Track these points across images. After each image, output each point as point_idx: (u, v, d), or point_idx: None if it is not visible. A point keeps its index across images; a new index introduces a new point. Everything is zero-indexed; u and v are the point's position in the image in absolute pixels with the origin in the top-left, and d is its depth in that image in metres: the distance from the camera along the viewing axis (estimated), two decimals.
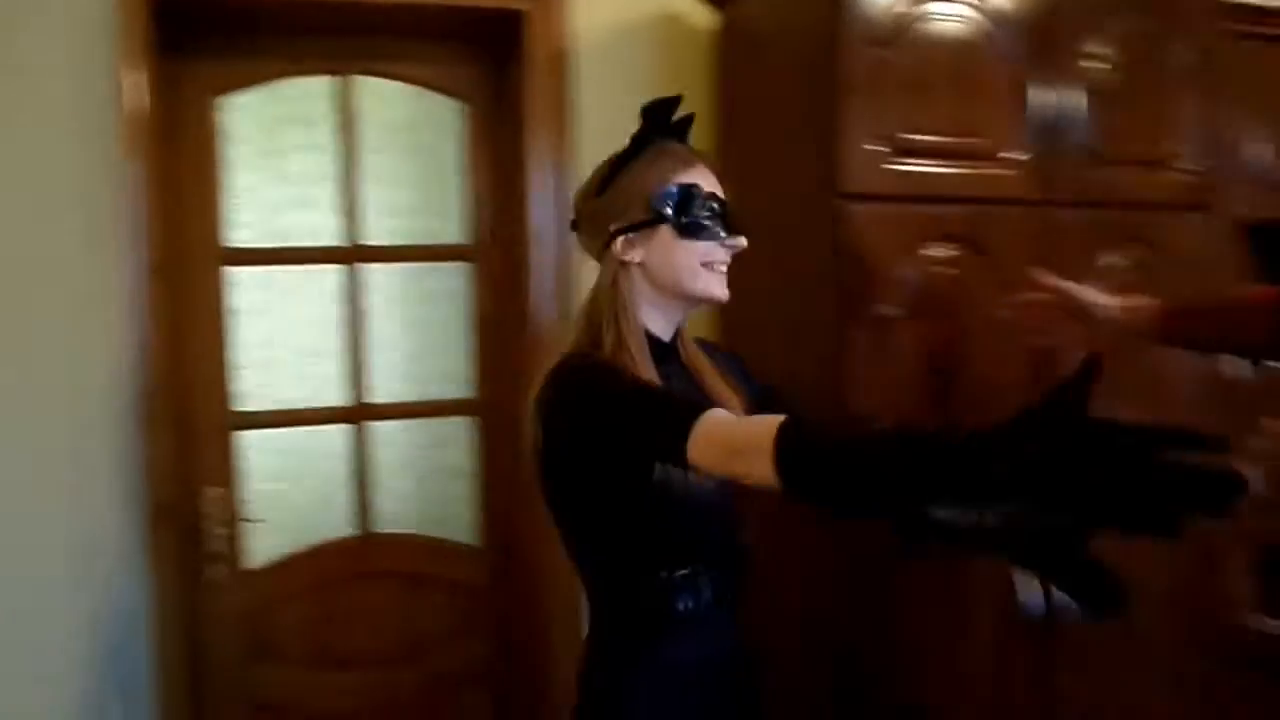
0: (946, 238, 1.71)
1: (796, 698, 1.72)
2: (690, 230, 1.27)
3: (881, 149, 1.65)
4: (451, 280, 2.29)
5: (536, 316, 2.13)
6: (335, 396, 2.22)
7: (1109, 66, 1.82)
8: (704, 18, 2.13)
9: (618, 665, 1.31)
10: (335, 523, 2.24)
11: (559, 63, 2.10)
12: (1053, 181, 1.79)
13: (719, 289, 1.31)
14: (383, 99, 2.23)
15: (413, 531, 2.30)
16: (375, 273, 2.24)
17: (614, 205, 1.30)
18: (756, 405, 1.36)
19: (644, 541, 1.28)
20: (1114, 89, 1.83)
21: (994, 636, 1.78)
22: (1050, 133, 1.78)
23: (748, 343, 2.05)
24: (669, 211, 1.27)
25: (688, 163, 1.30)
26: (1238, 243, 2.21)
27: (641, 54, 2.14)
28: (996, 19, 1.73)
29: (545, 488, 1.32)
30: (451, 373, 2.31)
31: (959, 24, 1.70)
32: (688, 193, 1.27)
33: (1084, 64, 1.80)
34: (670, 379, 1.29)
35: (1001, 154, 1.75)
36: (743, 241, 1.31)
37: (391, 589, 2.28)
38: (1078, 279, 1.65)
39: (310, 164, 2.18)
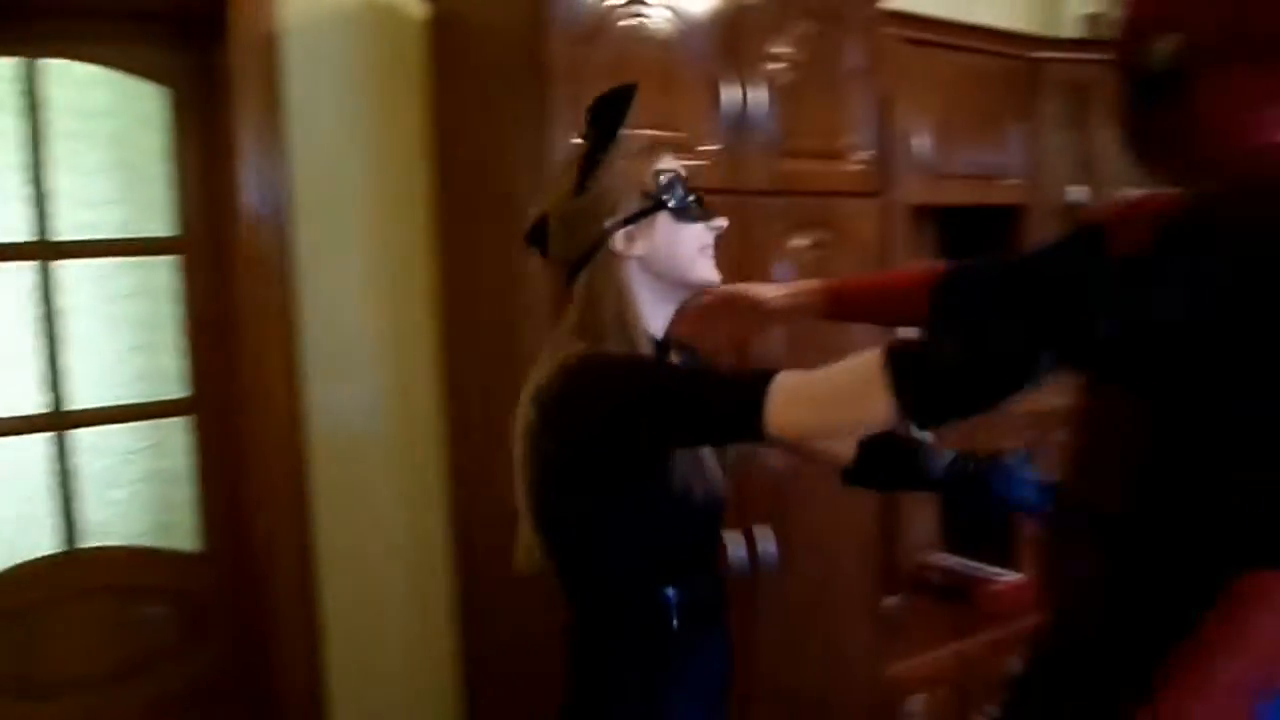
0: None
1: None
2: (686, 214, 1.26)
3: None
4: (159, 275, 2.17)
5: (254, 309, 2.07)
6: (31, 405, 2.05)
7: (788, 66, 2.01)
8: (417, 8, 2.15)
9: (632, 687, 1.26)
10: (36, 540, 2.07)
11: (268, 48, 2.04)
12: (743, 172, 1.95)
13: (713, 273, 1.30)
14: (76, 84, 2.08)
15: (126, 543, 2.17)
16: (71, 269, 2.08)
17: (604, 201, 1.25)
18: None
19: (655, 551, 1.25)
20: (794, 87, 2.02)
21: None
22: (740, 127, 1.94)
23: (469, 330, 2.10)
24: (669, 199, 1.25)
25: (658, 150, 1.29)
26: (910, 225, 2.50)
27: (354, 41, 2.13)
28: (690, 20, 1.87)
29: (539, 494, 1.26)
30: (164, 372, 2.19)
31: (656, 24, 1.83)
32: (675, 178, 1.27)
33: (767, 64, 1.98)
34: None
35: (698, 146, 1.89)
36: (723, 223, 1.31)
37: (104, 606, 2.14)
38: (768, 261, 1.82)
39: None
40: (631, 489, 1.22)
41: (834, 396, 1.02)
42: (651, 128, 1.80)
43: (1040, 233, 2.75)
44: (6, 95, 2.01)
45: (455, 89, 2.07)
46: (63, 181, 2.06)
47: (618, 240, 1.25)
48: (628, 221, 1.24)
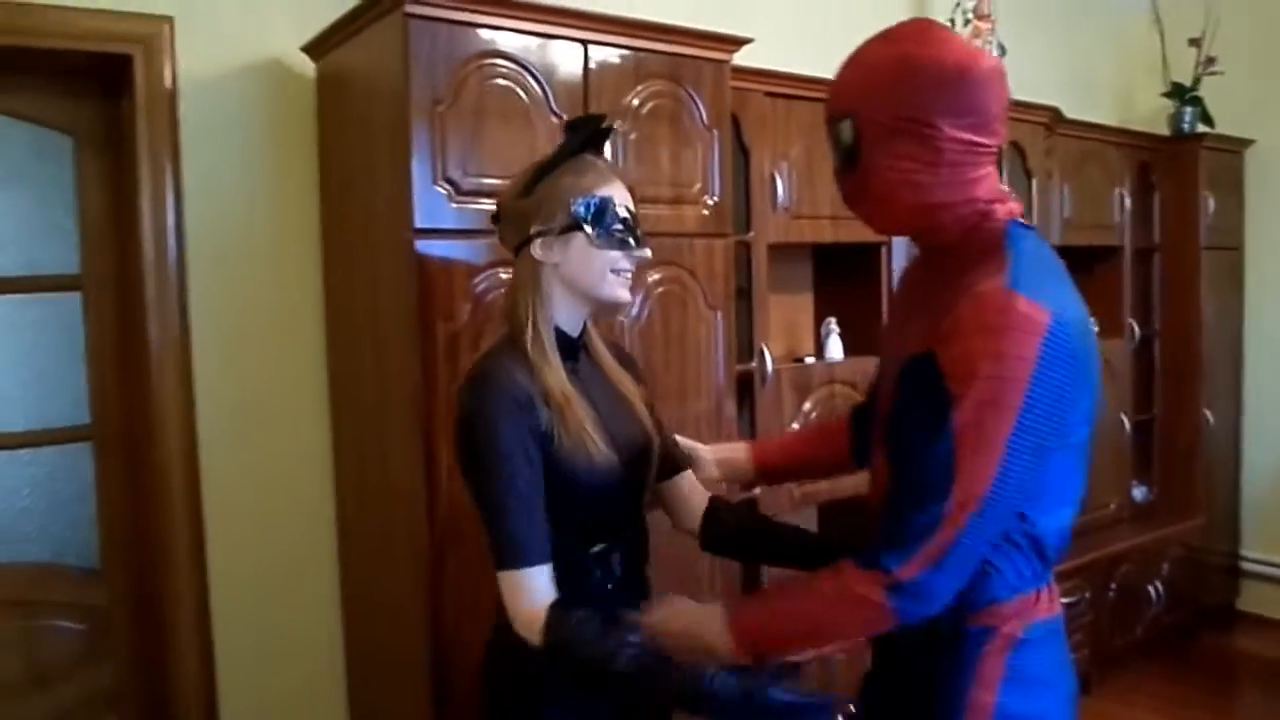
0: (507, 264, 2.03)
1: None
2: (603, 239, 1.40)
3: (444, 190, 1.94)
4: (62, 309, 2.33)
5: (152, 340, 2.23)
6: None
7: (640, 120, 2.22)
8: (304, 65, 2.34)
9: (528, 655, 1.36)
10: None
11: (167, 101, 2.21)
12: None
13: (623, 293, 1.45)
14: None
15: (28, 561, 2.30)
16: None
17: (537, 209, 1.41)
18: (645, 399, 1.57)
19: (552, 523, 1.37)
20: (645, 139, 2.23)
21: None
22: None
23: (354, 356, 2.28)
24: (586, 220, 1.40)
25: (606, 177, 1.43)
26: (768, 261, 2.72)
27: (249, 95, 2.31)
28: (545, 76, 2.07)
29: (465, 481, 1.43)
30: (67, 401, 2.34)
31: (511, 79, 2.03)
32: (605, 204, 1.40)
33: (619, 118, 2.19)
34: (577, 373, 1.45)
35: None
36: (648, 253, 1.47)
37: (7, 620, 2.27)
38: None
39: None
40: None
41: (517, 608, 1.36)
42: (503, 177, 2.02)
43: (899, 264, 3.01)
44: None
45: (337, 136, 2.27)
46: None
47: (536, 247, 1.42)
48: (550, 232, 1.42)
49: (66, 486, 2.35)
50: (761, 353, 2.70)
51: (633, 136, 2.22)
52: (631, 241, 1.45)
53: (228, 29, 2.27)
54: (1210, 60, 4.08)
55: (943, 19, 3.46)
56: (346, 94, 2.21)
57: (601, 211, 1.41)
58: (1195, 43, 4.11)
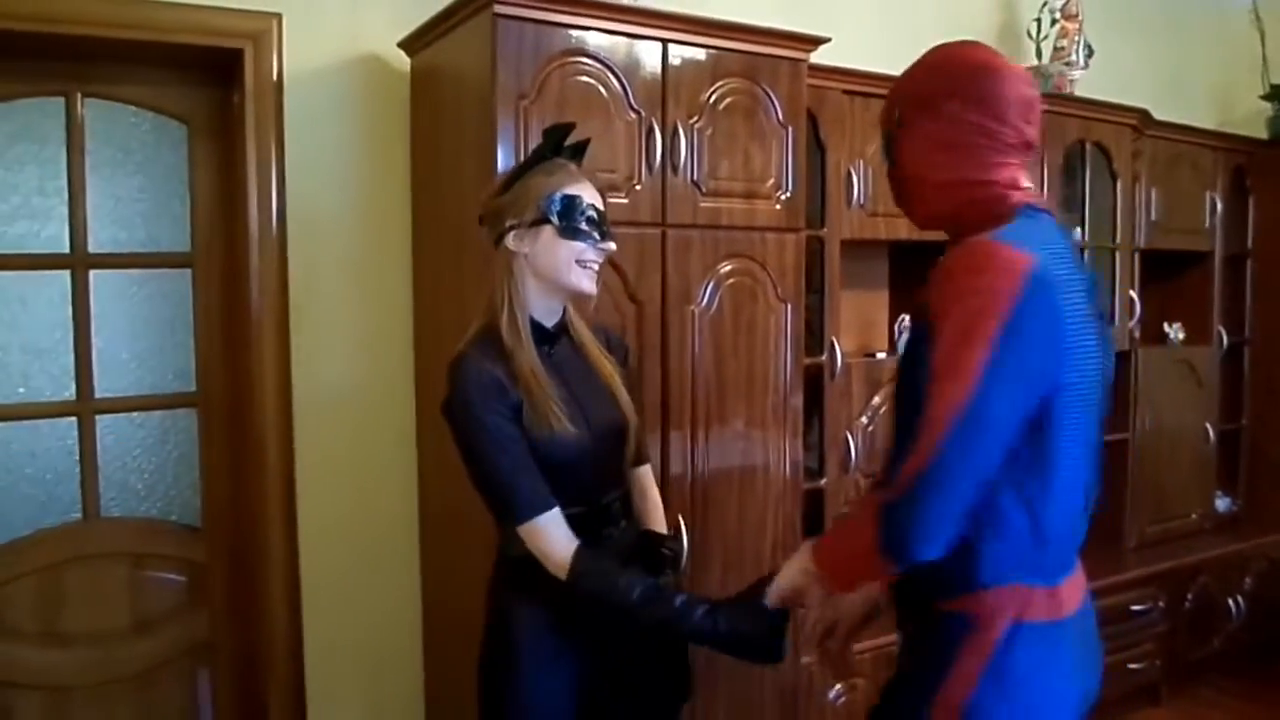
0: None
1: None
2: (568, 232, 1.56)
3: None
4: (174, 284, 2.51)
5: (254, 315, 2.40)
6: (63, 392, 2.40)
7: (717, 116, 2.30)
8: (401, 60, 2.47)
9: (511, 591, 1.65)
10: (63, 509, 2.41)
11: (274, 93, 2.37)
12: (671, 207, 2.24)
13: (588, 284, 1.60)
14: (112, 119, 2.43)
15: (138, 515, 2.50)
16: (102, 278, 2.43)
17: (511, 205, 1.59)
18: (626, 382, 1.73)
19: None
20: (721, 134, 2.30)
21: None
22: (668, 168, 2.23)
23: (434, 327, 2.40)
24: (553, 215, 1.56)
25: (575, 178, 1.60)
26: (842, 257, 2.77)
27: (348, 87, 2.46)
28: (626, 72, 2.16)
29: (463, 463, 1.60)
30: (176, 369, 2.53)
31: (591, 80, 2.12)
32: (571, 201, 1.57)
33: (697, 114, 2.27)
34: (553, 357, 1.62)
35: (630, 184, 2.18)
36: (612, 246, 1.62)
37: (118, 569, 2.47)
38: (693, 285, 2.13)
39: (40, 177, 2.36)
40: None
41: (546, 553, 1.54)
42: (588, 167, 2.11)
43: None
44: (52, 127, 2.36)
45: (428, 128, 2.39)
46: (96, 202, 2.41)
47: (510, 239, 1.59)
48: (520, 225, 1.58)
49: (173, 449, 2.54)
50: (832, 346, 2.75)
51: (709, 132, 2.29)
52: (596, 235, 1.59)
53: (331, 26, 2.42)
54: None
55: (1029, 18, 3.45)
56: (438, 88, 2.34)
57: (568, 207, 1.57)
58: None
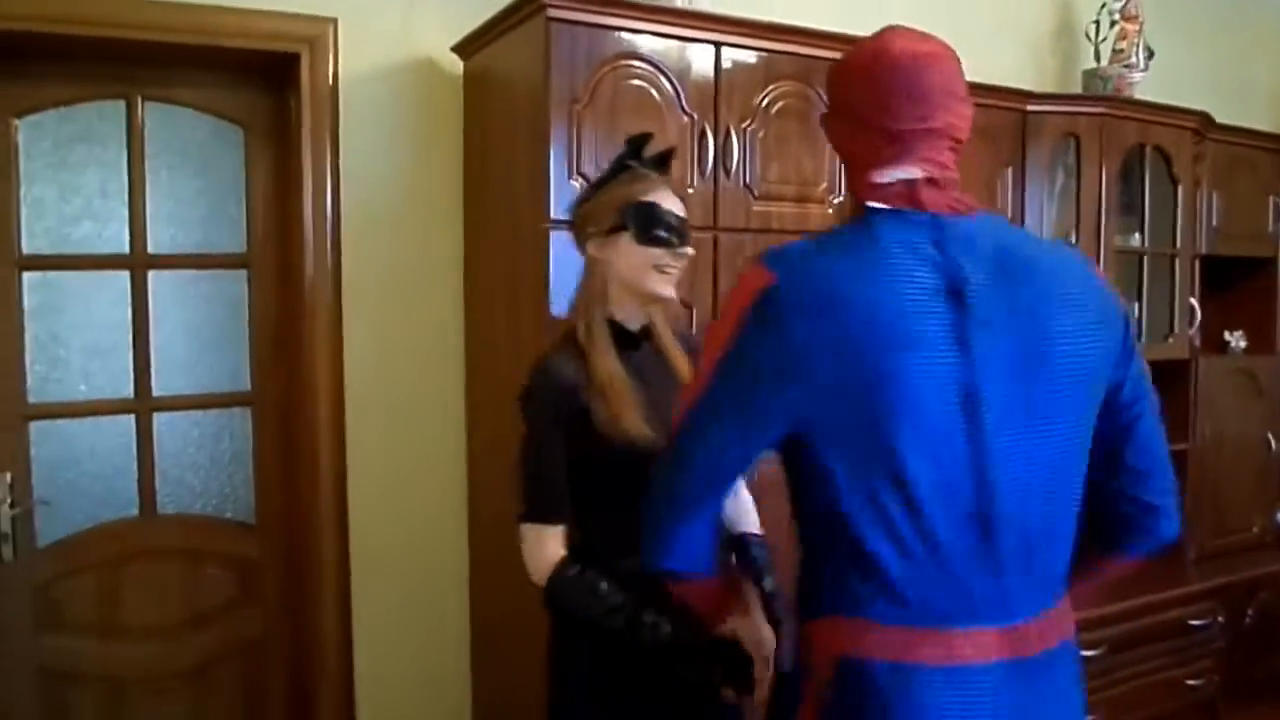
0: None
1: None
2: (644, 238, 1.59)
3: (580, 183, 2.05)
4: (230, 285, 2.55)
5: (308, 316, 2.43)
6: (122, 390, 2.45)
7: (768, 119, 2.28)
8: (454, 64, 2.49)
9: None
10: (120, 505, 2.46)
11: (329, 97, 2.40)
12: (723, 211, 2.23)
13: (665, 288, 1.62)
14: (171, 122, 2.48)
15: (193, 512, 2.54)
16: (160, 278, 2.48)
17: (592, 213, 1.64)
18: None
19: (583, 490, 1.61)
20: (772, 138, 2.29)
21: None
22: (720, 172, 2.22)
23: (486, 328, 2.40)
24: (630, 221, 1.60)
25: (654, 185, 1.63)
26: None
27: (403, 91, 2.48)
28: (677, 76, 2.16)
29: None
30: (231, 368, 2.57)
31: (643, 83, 2.12)
32: (647, 208, 1.60)
33: (748, 118, 2.26)
34: (633, 361, 1.62)
35: (685, 189, 2.17)
36: (689, 251, 1.64)
37: (173, 565, 2.51)
38: None
39: (101, 179, 2.41)
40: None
41: (532, 559, 1.59)
42: None
43: None
44: (112, 130, 2.41)
45: (481, 131, 2.41)
46: (155, 204, 2.46)
47: (591, 245, 1.64)
48: (600, 233, 1.62)
49: (227, 447, 2.58)
50: None
51: (761, 135, 2.28)
52: (674, 240, 1.61)
53: (385, 30, 2.44)
54: None
55: (1088, 20, 3.39)
56: (491, 91, 2.35)
57: (645, 214, 1.60)
58: None
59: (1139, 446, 1.29)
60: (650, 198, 1.61)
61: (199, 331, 2.55)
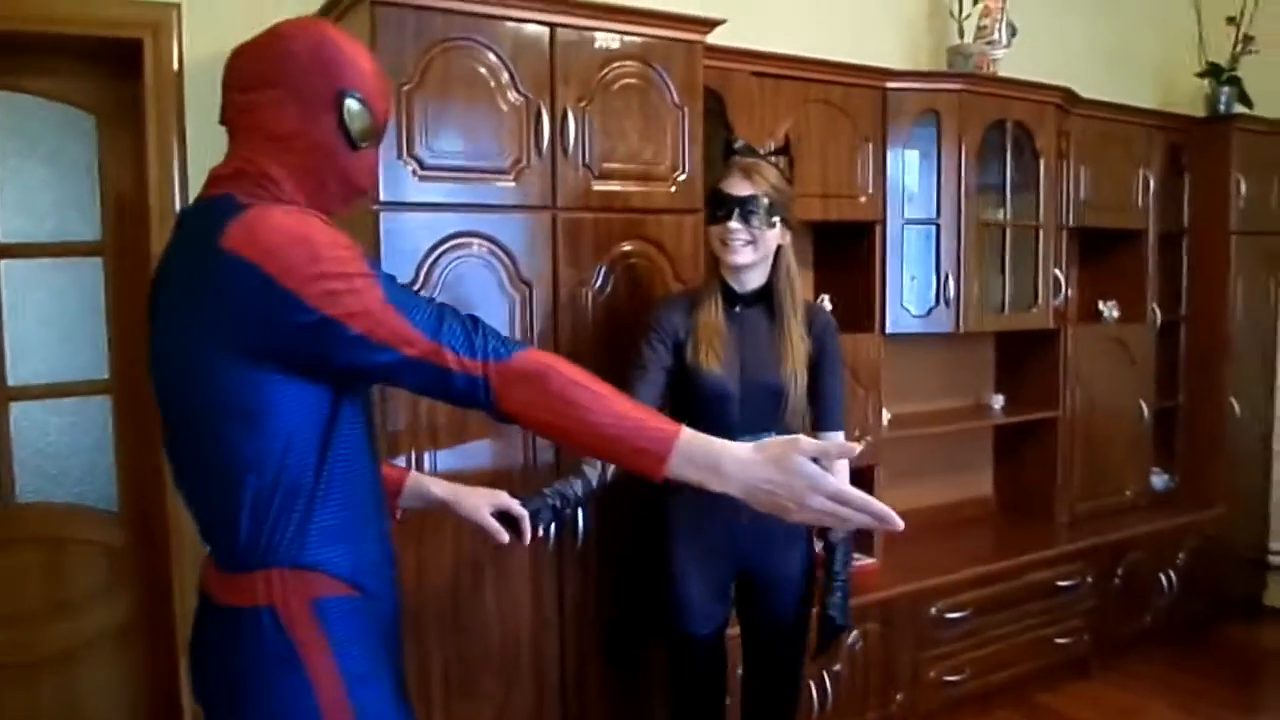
0: (472, 235, 2.17)
1: None
2: (710, 218, 2.09)
3: (409, 165, 2.08)
4: (86, 273, 2.55)
5: None
6: None
7: (609, 98, 2.33)
8: None
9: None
10: None
11: (174, 82, 2.40)
12: (563, 191, 2.27)
13: (728, 255, 2.05)
14: (20, 111, 2.46)
15: (54, 500, 2.54)
16: (13, 267, 2.47)
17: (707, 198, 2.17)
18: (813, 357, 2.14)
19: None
20: (613, 116, 2.33)
21: None
22: (559, 153, 2.26)
23: None
24: (705, 206, 2.18)
25: (732, 175, 2.06)
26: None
27: None
28: (510, 60, 2.19)
29: None
30: (89, 356, 2.56)
31: (475, 63, 2.15)
32: (715, 194, 2.08)
33: (588, 99, 2.29)
34: (737, 316, 2.11)
35: (521, 169, 2.21)
36: (734, 225, 2.01)
37: (35, 553, 2.51)
38: (589, 266, 2.19)
39: None
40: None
41: None
42: (474, 155, 2.15)
43: (894, 242, 3.06)
44: None
45: None
46: (6, 193, 2.45)
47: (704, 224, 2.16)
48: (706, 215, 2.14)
49: (86, 435, 2.58)
50: None
51: (600, 115, 2.32)
52: (723, 217, 2.03)
53: (229, 14, 2.44)
54: (1248, 39, 3.98)
55: None
56: None
57: (712, 199, 2.09)
58: (1233, 21, 4.00)
59: None
60: (720, 185, 2.06)
61: (55, 320, 2.54)
